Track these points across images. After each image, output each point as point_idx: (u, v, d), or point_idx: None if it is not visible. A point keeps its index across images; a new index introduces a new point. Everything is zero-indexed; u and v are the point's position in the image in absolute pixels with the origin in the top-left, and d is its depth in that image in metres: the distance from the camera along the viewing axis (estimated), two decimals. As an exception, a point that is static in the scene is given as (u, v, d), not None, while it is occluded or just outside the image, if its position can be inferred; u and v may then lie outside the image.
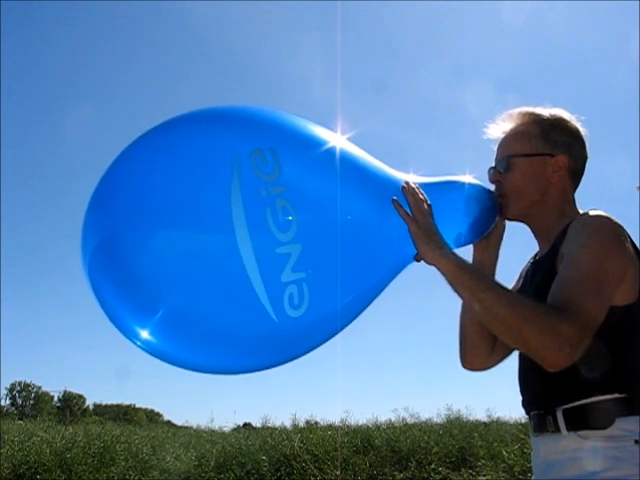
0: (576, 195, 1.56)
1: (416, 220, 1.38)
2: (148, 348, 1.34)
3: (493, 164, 1.59)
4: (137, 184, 1.30)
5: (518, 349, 1.33)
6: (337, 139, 1.42)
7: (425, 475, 7.95)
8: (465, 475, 7.94)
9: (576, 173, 1.54)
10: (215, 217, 1.27)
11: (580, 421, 1.31)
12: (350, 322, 1.43)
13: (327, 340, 1.42)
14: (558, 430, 1.34)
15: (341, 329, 1.42)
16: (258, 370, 1.42)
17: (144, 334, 1.30)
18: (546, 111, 1.55)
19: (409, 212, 1.39)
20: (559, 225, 1.47)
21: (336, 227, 1.34)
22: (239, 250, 1.25)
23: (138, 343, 1.33)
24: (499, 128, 1.59)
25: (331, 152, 1.38)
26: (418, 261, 1.42)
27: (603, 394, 1.31)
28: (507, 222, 1.61)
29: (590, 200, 1.49)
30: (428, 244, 1.37)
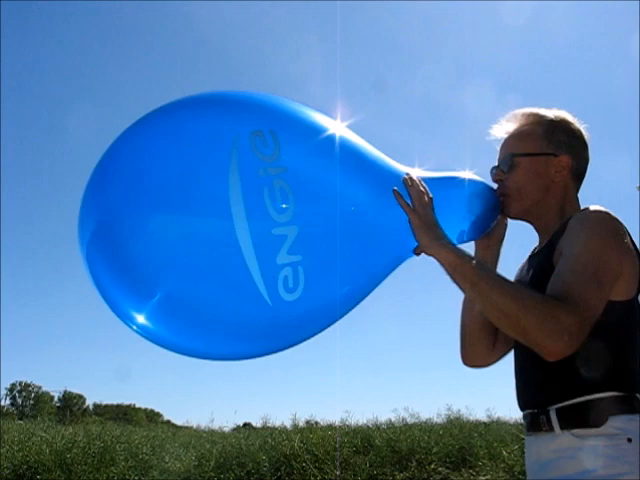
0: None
1: (416, 211, 1.37)
2: (144, 332, 1.33)
3: (496, 164, 1.59)
4: (135, 168, 1.30)
5: (517, 339, 1.34)
6: (338, 126, 1.41)
7: (425, 475, 7.94)
8: (465, 475, 7.93)
9: (578, 174, 1.55)
10: (212, 196, 1.26)
11: (574, 420, 1.31)
12: (346, 313, 1.41)
13: (322, 330, 1.40)
14: (552, 429, 1.34)
15: (337, 319, 1.40)
16: (254, 357, 1.41)
17: (140, 318, 1.30)
18: (550, 112, 1.56)
19: (410, 203, 1.39)
20: (560, 223, 1.47)
21: (334, 213, 1.33)
22: (235, 230, 1.24)
23: (134, 327, 1.32)
24: (503, 128, 1.60)
25: (332, 138, 1.36)
26: (418, 254, 1.41)
27: (597, 392, 1.30)
28: (509, 220, 1.61)
29: (590, 201, 1.49)
30: (428, 235, 1.36)
